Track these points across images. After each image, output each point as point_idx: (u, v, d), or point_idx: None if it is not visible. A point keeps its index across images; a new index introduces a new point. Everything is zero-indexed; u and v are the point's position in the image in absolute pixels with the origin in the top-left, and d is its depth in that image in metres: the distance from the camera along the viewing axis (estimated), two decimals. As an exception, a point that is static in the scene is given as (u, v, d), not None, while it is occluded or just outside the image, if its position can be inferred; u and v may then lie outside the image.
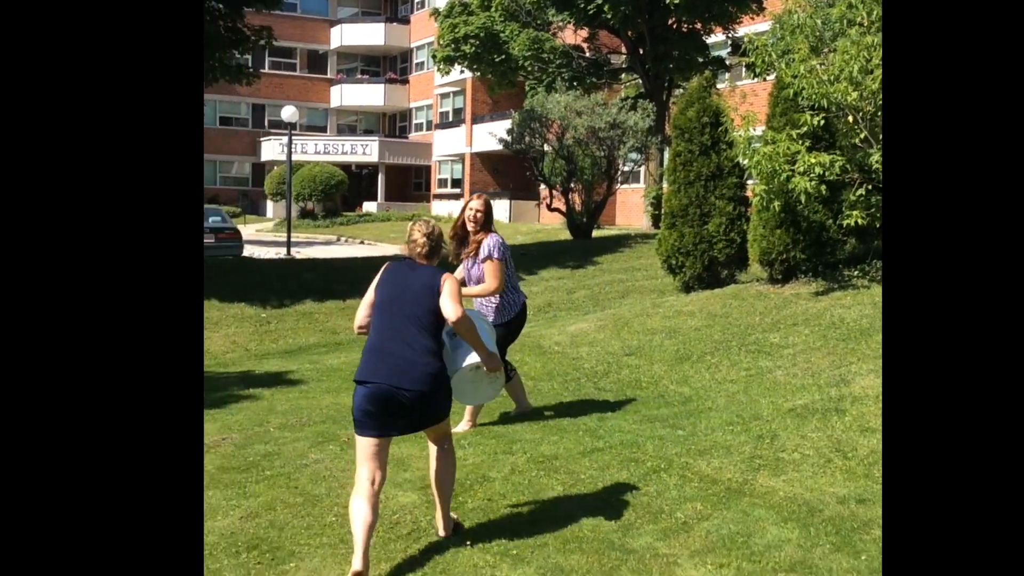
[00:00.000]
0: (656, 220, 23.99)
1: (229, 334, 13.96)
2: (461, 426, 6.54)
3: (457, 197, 40.64)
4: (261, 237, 32.01)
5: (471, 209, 6.45)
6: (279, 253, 24.93)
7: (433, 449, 4.59)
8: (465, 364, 4.48)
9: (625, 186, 25.84)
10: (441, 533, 4.58)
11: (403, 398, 4.20)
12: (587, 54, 25.53)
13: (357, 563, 4.05)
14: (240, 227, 27.04)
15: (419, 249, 4.56)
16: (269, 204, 43.57)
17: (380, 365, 4.26)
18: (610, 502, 4.96)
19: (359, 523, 4.13)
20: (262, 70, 34.23)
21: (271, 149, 44.74)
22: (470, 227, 6.47)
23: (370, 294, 4.55)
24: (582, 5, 22.12)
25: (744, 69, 21.48)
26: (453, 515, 4.69)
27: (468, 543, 4.45)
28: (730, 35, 24.16)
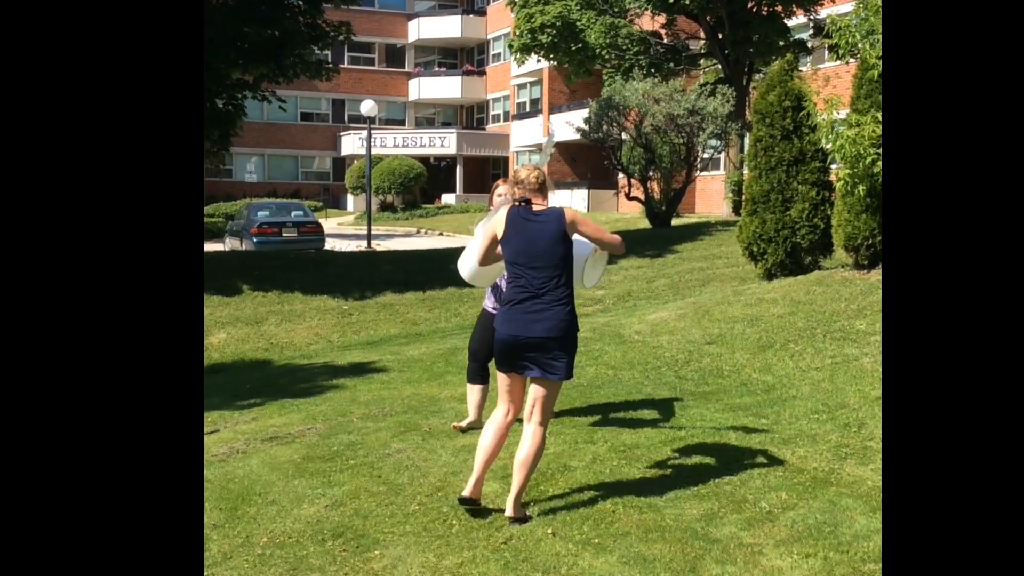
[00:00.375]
0: (737, 207, 23.70)
1: (312, 326, 14.19)
2: (466, 421, 6.47)
3: (535, 187, 40.58)
4: (342, 230, 32.47)
5: (500, 196, 5.98)
6: (360, 246, 25.25)
7: (528, 428, 4.68)
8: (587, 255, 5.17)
9: (705, 173, 25.54)
10: (509, 514, 4.59)
11: (534, 343, 4.58)
12: (665, 40, 25.27)
13: (467, 490, 4.66)
14: (321, 221, 27.46)
15: (531, 184, 4.77)
16: (350, 198, 44.14)
17: (518, 318, 4.62)
18: (693, 491, 4.91)
19: (479, 450, 4.78)
20: (341, 65, 34.66)
21: (351, 143, 45.33)
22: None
23: (483, 235, 4.92)
24: (658, -10, 21.92)
25: (827, 51, 21.04)
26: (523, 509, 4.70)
27: (550, 532, 4.46)
28: (812, 17, 23.67)
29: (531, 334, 4.57)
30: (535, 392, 4.68)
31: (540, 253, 4.63)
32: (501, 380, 4.78)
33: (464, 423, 6.45)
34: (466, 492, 4.66)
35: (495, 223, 4.83)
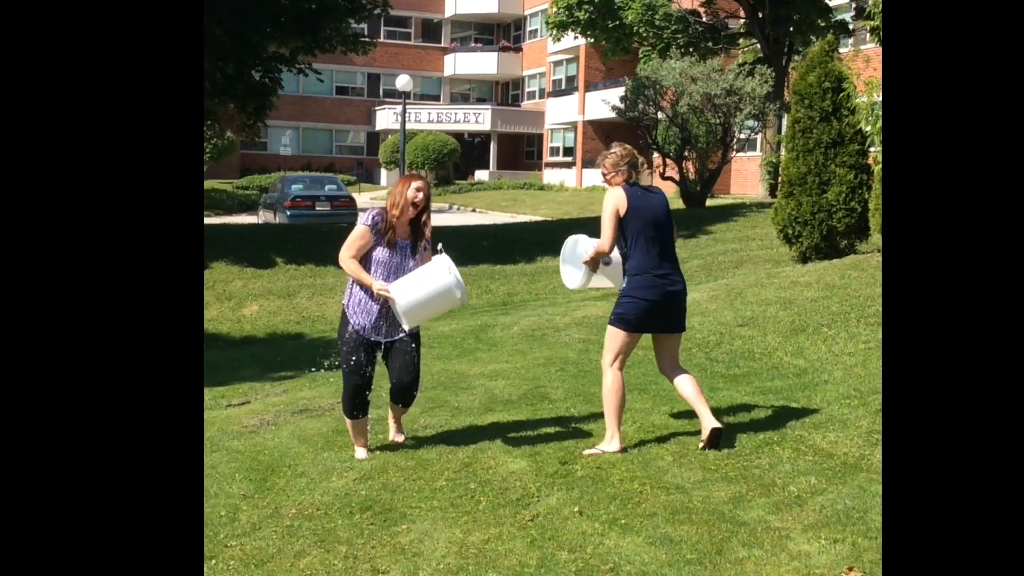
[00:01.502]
0: (773, 189, 23.48)
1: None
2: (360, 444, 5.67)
3: (569, 166, 40.52)
4: (375, 205, 32.52)
5: (420, 192, 5.42)
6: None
7: (683, 374, 5.56)
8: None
9: (741, 154, 25.33)
10: (715, 424, 5.30)
11: (681, 301, 5.55)
12: (704, 19, 25.02)
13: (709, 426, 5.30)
14: (355, 195, 27.54)
15: (641, 167, 5.62)
16: (383, 172, 44.24)
17: (663, 281, 5.39)
18: (721, 474, 4.89)
19: (619, 407, 5.39)
20: (377, 39, 34.63)
21: (385, 118, 45.36)
22: (412, 213, 5.41)
23: (614, 220, 5.35)
24: (699, -32, 21.66)
25: (868, 33, 20.76)
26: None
27: (577, 511, 4.45)
28: (854, -3, 23.35)
29: (679, 291, 5.47)
30: (674, 343, 5.61)
31: (665, 224, 5.45)
32: (631, 341, 5.45)
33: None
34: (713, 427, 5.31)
35: (616, 203, 5.35)
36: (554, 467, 5.06)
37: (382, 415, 6.39)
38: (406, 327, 5.28)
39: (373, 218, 5.41)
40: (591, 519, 4.37)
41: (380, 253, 5.37)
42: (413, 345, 5.49)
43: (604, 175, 5.57)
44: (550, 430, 5.79)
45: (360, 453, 5.53)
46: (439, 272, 5.24)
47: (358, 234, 5.38)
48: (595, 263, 5.54)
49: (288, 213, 23.24)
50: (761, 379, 7.07)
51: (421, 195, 5.40)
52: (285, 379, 8.37)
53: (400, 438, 5.79)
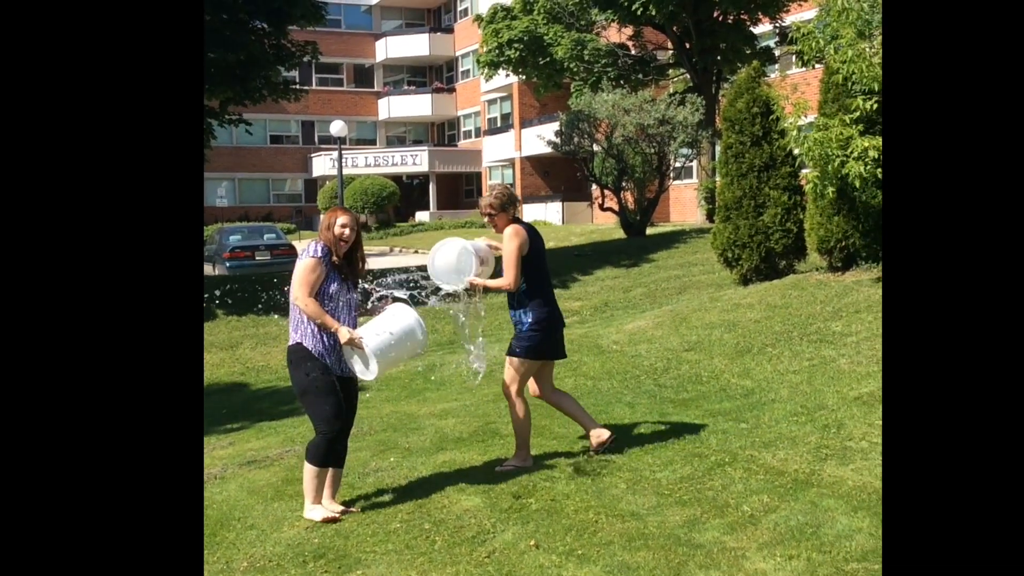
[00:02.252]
0: (711, 214, 23.78)
1: (289, 348, 14.08)
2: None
3: (509, 202, 40.62)
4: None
5: (346, 228, 5.17)
6: (335, 266, 25.14)
7: (562, 396, 6.03)
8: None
9: (678, 182, 25.64)
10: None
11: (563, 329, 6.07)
12: (632, 52, 25.40)
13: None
14: (295, 243, 27.34)
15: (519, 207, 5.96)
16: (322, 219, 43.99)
17: (558, 315, 5.96)
18: (675, 498, 4.89)
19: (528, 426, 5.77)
20: (309, 87, 34.62)
21: (322, 164, 45.22)
22: (343, 248, 5.18)
23: (518, 259, 5.60)
24: (626, 4, 22.01)
25: (794, 58, 21.22)
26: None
27: (533, 544, 4.42)
28: (777, 24, 23.87)
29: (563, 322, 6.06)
30: (552, 368, 6.15)
31: (545, 258, 5.93)
32: (533, 369, 5.81)
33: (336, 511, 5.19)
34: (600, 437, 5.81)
35: (520, 242, 5.59)
36: (508, 502, 5.02)
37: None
38: (372, 375, 5.06)
39: (319, 249, 5.06)
40: (548, 551, 4.34)
41: (334, 287, 5.08)
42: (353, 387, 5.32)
43: (491, 214, 5.73)
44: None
45: (316, 513, 5.07)
46: (403, 316, 5.20)
47: (308, 268, 5.00)
48: (482, 291, 5.71)
49: (228, 264, 22.98)
50: (710, 402, 7.12)
51: (348, 231, 5.12)
52: (231, 431, 8.23)
53: (338, 507, 5.20)
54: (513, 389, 5.71)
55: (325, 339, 5.07)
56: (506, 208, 5.71)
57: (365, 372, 5.10)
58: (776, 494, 4.83)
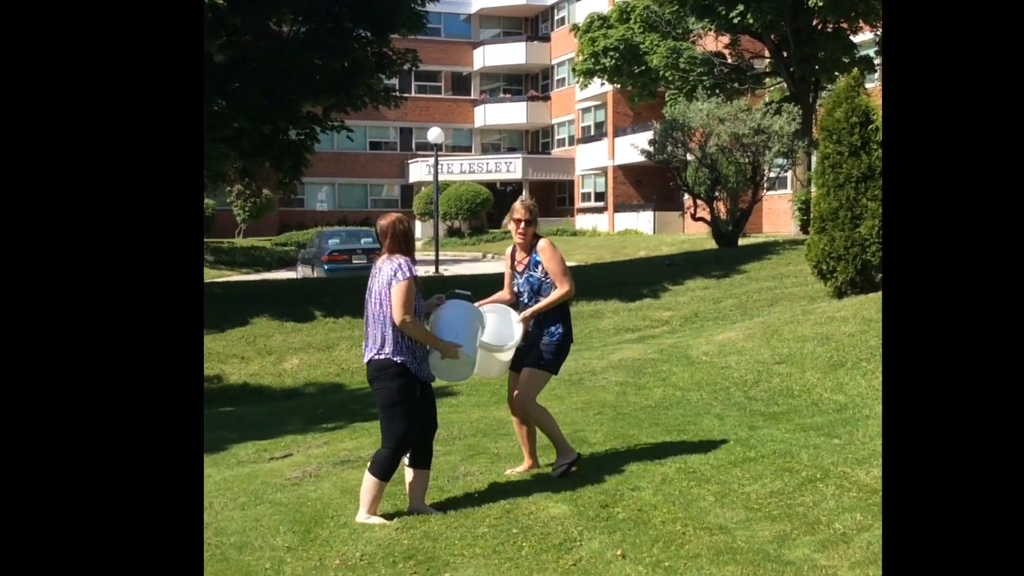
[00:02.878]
0: (805, 225, 23.39)
1: (382, 351, 14.33)
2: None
3: (601, 211, 40.65)
4: (421, 257, 32.72)
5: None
6: (428, 271, 25.48)
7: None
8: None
9: (771, 192, 25.30)
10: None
11: None
12: (729, 60, 25.16)
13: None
14: (390, 247, 27.74)
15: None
16: (418, 224, 44.56)
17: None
18: (764, 512, 4.86)
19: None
20: (408, 94, 35.16)
21: (418, 170, 45.84)
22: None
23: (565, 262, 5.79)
24: (723, 12, 21.82)
25: (895, 66, 20.70)
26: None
27: (620, 554, 4.45)
28: (878, 32, 23.37)
29: None
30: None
31: None
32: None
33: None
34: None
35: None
36: (595, 510, 5.05)
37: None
38: (470, 372, 5.45)
39: (410, 269, 5.12)
40: (634, 562, 4.36)
41: (420, 301, 5.27)
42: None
43: (529, 221, 5.74)
44: (590, 473, 5.78)
45: (374, 521, 5.19)
46: (458, 310, 5.45)
47: (408, 289, 5.03)
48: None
49: (326, 267, 23.49)
50: (801, 416, 7.03)
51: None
52: (326, 431, 8.43)
53: (429, 509, 5.36)
54: (532, 398, 5.79)
55: (418, 353, 5.20)
56: (537, 220, 5.88)
57: (462, 373, 5.40)
58: (869, 512, 4.75)
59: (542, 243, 5.73)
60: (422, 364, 5.22)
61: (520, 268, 5.77)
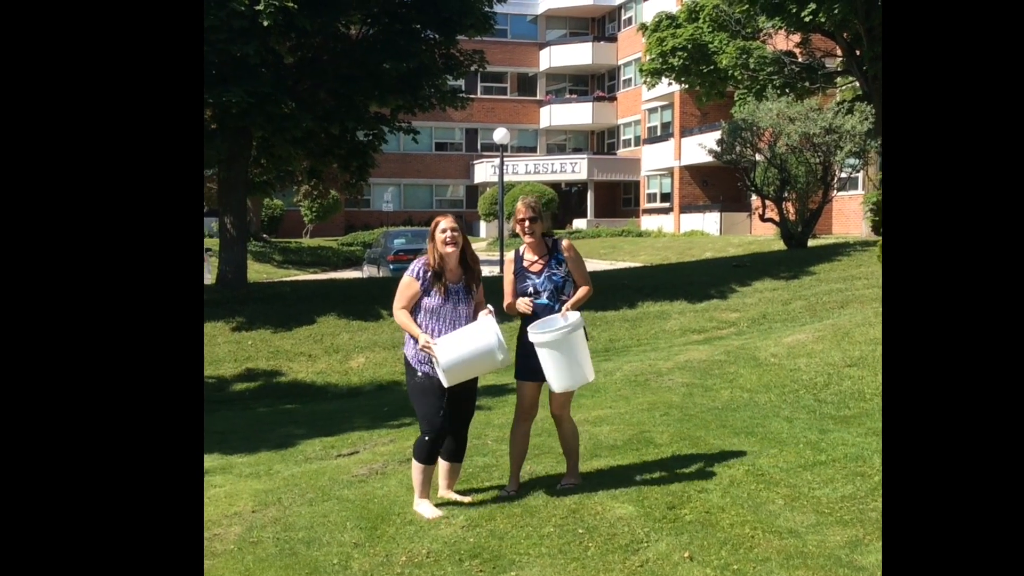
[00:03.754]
0: (877, 227, 22.97)
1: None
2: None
3: (666, 211, 40.37)
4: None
5: (445, 233, 5.44)
6: (493, 271, 25.55)
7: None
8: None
9: (842, 193, 24.87)
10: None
11: None
12: (799, 59, 24.79)
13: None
14: (455, 248, 27.89)
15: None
16: (482, 224, 44.73)
17: None
18: (836, 517, 4.77)
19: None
20: (474, 95, 35.32)
21: (484, 171, 46.02)
22: (452, 252, 5.44)
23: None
24: (794, 10, 21.51)
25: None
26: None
27: (687, 556, 4.40)
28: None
29: None
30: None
31: None
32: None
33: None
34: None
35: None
36: (662, 512, 5.01)
37: (489, 463, 6.44)
38: (444, 384, 5.23)
39: (416, 269, 5.38)
40: (702, 565, 4.31)
41: (429, 301, 5.36)
42: (472, 392, 5.56)
43: (533, 218, 5.59)
44: (656, 475, 5.74)
45: (426, 508, 5.37)
46: (483, 333, 5.25)
47: (404, 284, 5.39)
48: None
49: (391, 267, 23.68)
50: (873, 420, 6.89)
51: (448, 235, 5.37)
52: (392, 429, 8.49)
53: (453, 495, 5.63)
54: (569, 406, 5.81)
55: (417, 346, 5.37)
56: (543, 217, 5.75)
57: (442, 377, 5.25)
58: (943, 519, 4.64)
59: (565, 243, 5.69)
60: (427, 359, 5.34)
61: (536, 268, 5.61)
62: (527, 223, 5.55)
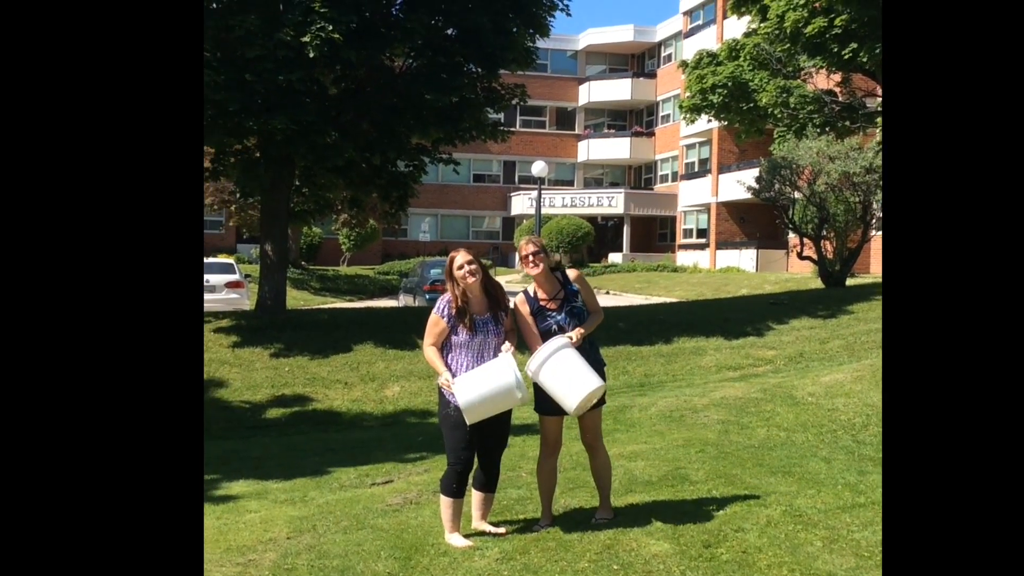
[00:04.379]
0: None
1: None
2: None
3: (703, 247, 40.26)
4: (511, 288, 32.82)
5: (463, 268, 5.43)
6: (528, 304, 25.55)
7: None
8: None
9: (881, 232, 24.66)
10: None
11: None
12: (840, 98, 24.73)
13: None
14: (491, 279, 27.95)
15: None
16: (518, 257, 44.86)
17: None
18: (875, 561, 4.71)
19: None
20: (514, 128, 35.52)
21: (521, 203, 46.19)
22: (474, 285, 5.45)
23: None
24: (835, 50, 21.49)
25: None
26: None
27: (723, 595, 4.37)
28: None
29: None
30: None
31: None
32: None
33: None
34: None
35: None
36: (698, 550, 4.98)
37: (523, 495, 6.44)
38: (467, 421, 5.25)
39: (441, 307, 5.41)
40: (738, 604, 4.28)
41: (457, 338, 5.39)
42: (504, 424, 5.56)
43: (539, 252, 5.54)
44: (692, 512, 5.70)
45: (456, 540, 5.40)
46: (501, 371, 5.25)
47: (431, 322, 5.44)
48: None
49: (427, 297, 23.76)
50: (912, 463, 6.81)
51: (466, 269, 5.36)
52: (426, 459, 8.51)
53: (486, 527, 5.62)
54: (601, 434, 5.82)
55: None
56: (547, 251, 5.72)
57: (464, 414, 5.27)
58: (984, 566, 4.58)
59: (573, 273, 5.70)
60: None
61: (553, 306, 5.54)
62: (531, 257, 5.51)
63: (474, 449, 5.42)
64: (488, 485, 5.64)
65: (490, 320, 5.44)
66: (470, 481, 5.59)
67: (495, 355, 5.39)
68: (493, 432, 5.49)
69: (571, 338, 5.37)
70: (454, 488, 5.41)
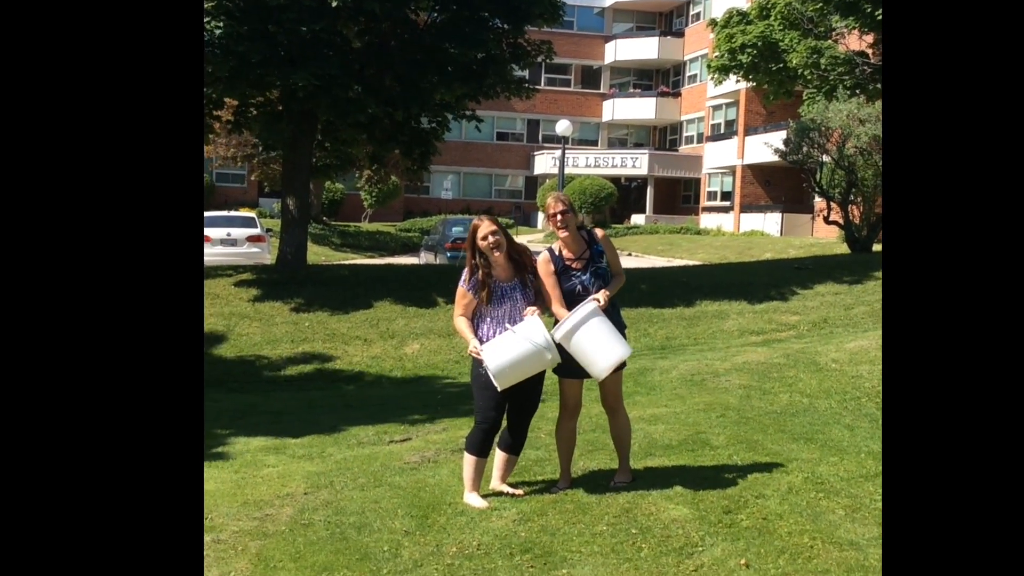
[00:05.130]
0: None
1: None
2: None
3: (727, 210, 39.94)
4: (532, 247, 32.76)
5: (487, 240, 5.35)
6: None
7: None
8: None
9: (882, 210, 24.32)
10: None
11: None
12: (872, 60, 24.29)
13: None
14: (513, 237, 27.87)
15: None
16: (540, 216, 44.66)
17: None
18: (897, 531, 4.64)
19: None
20: (538, 86, 35.13)
21: (544, 162, 45.91)
22: (498, 256, 5.40)
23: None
24: (868, 10, 21.06)
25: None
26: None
27: (743, 563, 4.31)
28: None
29: None
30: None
31: None
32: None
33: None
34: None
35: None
36: (717, 516, 4.92)
37: (542, 456, 6.38)
38: (498, 387, 5.20)
39: (467, 280, 5.37)
40: (759, 573, 4.21)
41: (484, 308, 5.36)
42: (537, 387, 5.50)
43: (566, 212, 5.39)
44: (712, 477, 5.63)
45: (474, 500, 5.37)
46: (530, 335, 5.17)
47: (459, 294, 5.43)
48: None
49: (448, 255, 23.72)
50: (938, 433, 6.71)
51: (490, 240, 5.28)
52: (444, 417, 8.48)
53: (505, 488, 5.59)
54: (622, 400, 5.77)
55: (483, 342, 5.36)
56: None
57: (494, 381, 5.20)
58: (1012, 539, 4.49)
59: (600, 233, 5.57)
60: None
61: (579, 266, 5.41)
62: (559, 217, 5.37)
63: (503, 410, 5.41)
64: (514, 447, 5.60)
65: (517, 285, 5.38)
66: (495, 441, 5.54)
67: (517, 320, 5.32)
68: (527, 394, 5.45)
69: (598, 300, 5.26)
70: (479, 447, 5.39)
